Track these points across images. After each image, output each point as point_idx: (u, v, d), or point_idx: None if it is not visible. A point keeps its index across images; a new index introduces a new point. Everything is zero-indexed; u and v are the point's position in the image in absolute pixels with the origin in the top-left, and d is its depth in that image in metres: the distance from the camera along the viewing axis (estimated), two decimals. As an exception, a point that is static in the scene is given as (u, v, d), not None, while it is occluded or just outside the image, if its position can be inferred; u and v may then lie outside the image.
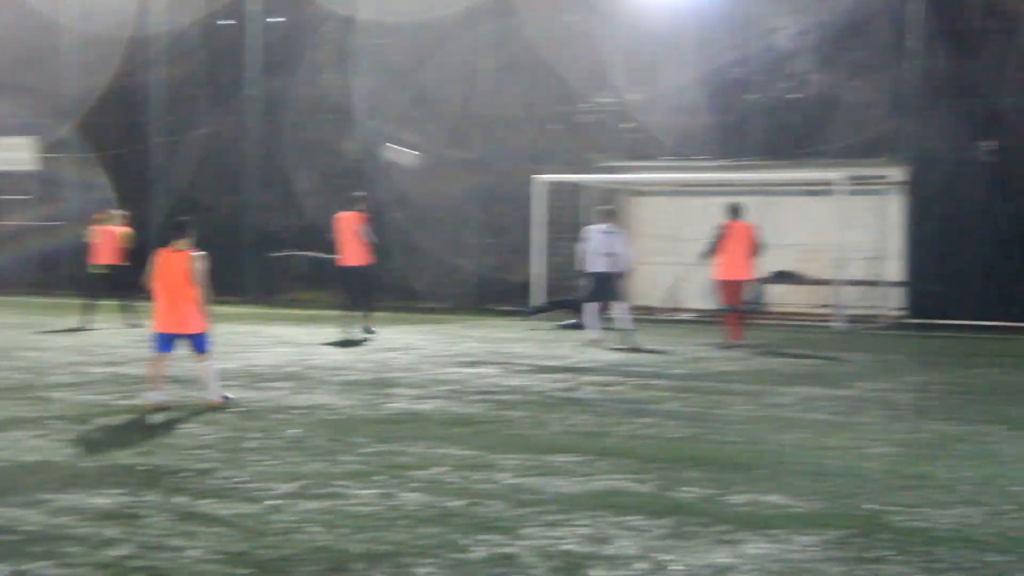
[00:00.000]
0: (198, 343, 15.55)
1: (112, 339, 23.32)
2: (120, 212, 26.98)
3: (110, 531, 9.45)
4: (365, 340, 23.47)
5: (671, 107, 32.28)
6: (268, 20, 35.17)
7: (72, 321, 25.91)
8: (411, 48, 33.08)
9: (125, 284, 26.40)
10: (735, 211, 23.66)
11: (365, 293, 24.77)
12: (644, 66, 32.26)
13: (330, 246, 26.98)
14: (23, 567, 8.51)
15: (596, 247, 23.21)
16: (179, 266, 15.37)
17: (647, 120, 32.38)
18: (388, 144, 17.52)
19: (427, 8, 32.49)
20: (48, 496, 10.53)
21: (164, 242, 15.90)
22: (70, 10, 36.20)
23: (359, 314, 24.62)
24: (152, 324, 15.75)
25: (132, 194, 34.80)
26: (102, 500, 10.44)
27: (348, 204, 24.95)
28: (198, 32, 35.14)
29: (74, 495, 10.59)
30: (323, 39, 34.21)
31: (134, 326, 25.63)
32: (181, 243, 15.54)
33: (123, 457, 12.31)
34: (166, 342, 15.56)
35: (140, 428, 14.01)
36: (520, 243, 30.76)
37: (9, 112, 36.84)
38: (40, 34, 36.42)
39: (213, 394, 15.51)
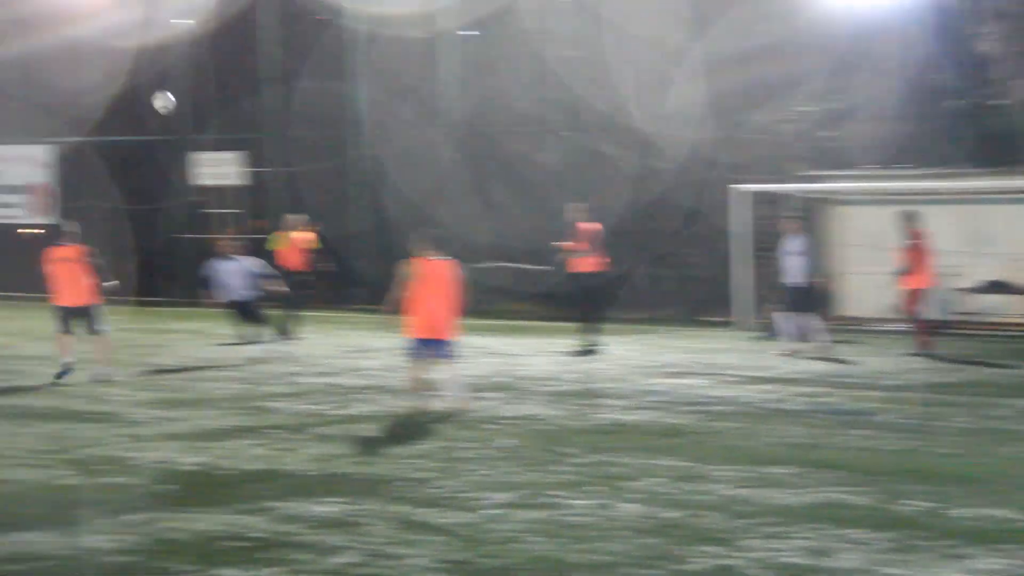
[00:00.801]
0: (447, 349, 15.93)
1: (323, 350, 23.72)
2: (302, 218, 26.74)
3: (334, 539, 9.65)
4: (594, 352, 23.21)
5: (871, 115, 31.79)
6: (462, 33, 35.51)
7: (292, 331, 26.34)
8: (606, 59, 33.11)
9: (304, 292, 26.14)
10: (916, 219, 23.44)
11: (597, 303, 24.33)
12: (844, 73, 31.84)
13: (535, 257, 27.06)
14: (253, 573, 8.73)
15: (797, 258, 23.09)
16: (443, 275, 15.84)
17: (847, 128, 31.93)
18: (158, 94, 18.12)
19: (620, 20, 32.52)
20: (273, 504, 10.78)
21: (402, 254, 16.42)
22: (264, 30, 36.98)
23: (596, 325, 24.03)
24: (408, 331, 16.10)
25: (332, 208, 35.38)
26: (324, 508, 10.66)
27: (581, 215, 24.54)
28: (395, 46, 35.59)
29: (297, 503, 10.83)
30: (517, 51, 34.39)
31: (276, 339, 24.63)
32: (437, 253, 16.02)
33: (342, 466, 12.54)
34: (424, 347, 15.98)
35: (356, 438, 14.23)
36: (721, 253, 30.55)
37: (214, 128, 37.73)
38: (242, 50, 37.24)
39: (458, 400, 15.87)
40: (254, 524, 10.05)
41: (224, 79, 37.58)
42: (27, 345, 24.18)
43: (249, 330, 22.70)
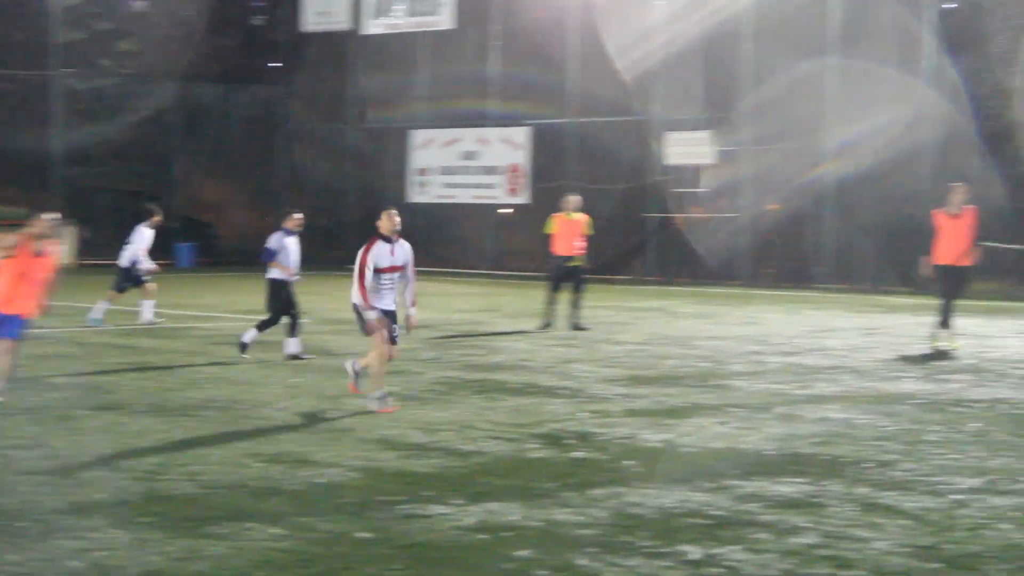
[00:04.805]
0: None
1: (787, 329, 23.62)
2: (574, 199, 24.49)
3: (795, 519, 9.58)
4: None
5: None
6: (944, 7, 34.56)
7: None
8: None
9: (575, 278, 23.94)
10: None
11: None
12: None
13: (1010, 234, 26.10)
14: (713, 551, 8.78)
15: None
16: None
17: None
18: None
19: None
20: (734, 482, 10.80)
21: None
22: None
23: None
24: None
25: (801, 186, 35.16)
26: (786, 488, 10.60)
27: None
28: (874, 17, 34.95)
29: (758, 482, 10.80)
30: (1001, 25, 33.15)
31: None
32: None
33: (803, 446, 12.43)
34: None
35: (818, 418, 14.07)
36: None
37: (685, 106, 38.07)
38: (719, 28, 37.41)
39: None
40: (714, 502, 10.09)
41: (702, 60, 37.86)
42: (500, 321, 25.10)
43: None
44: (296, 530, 9.25)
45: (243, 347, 18.80)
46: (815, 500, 10.17)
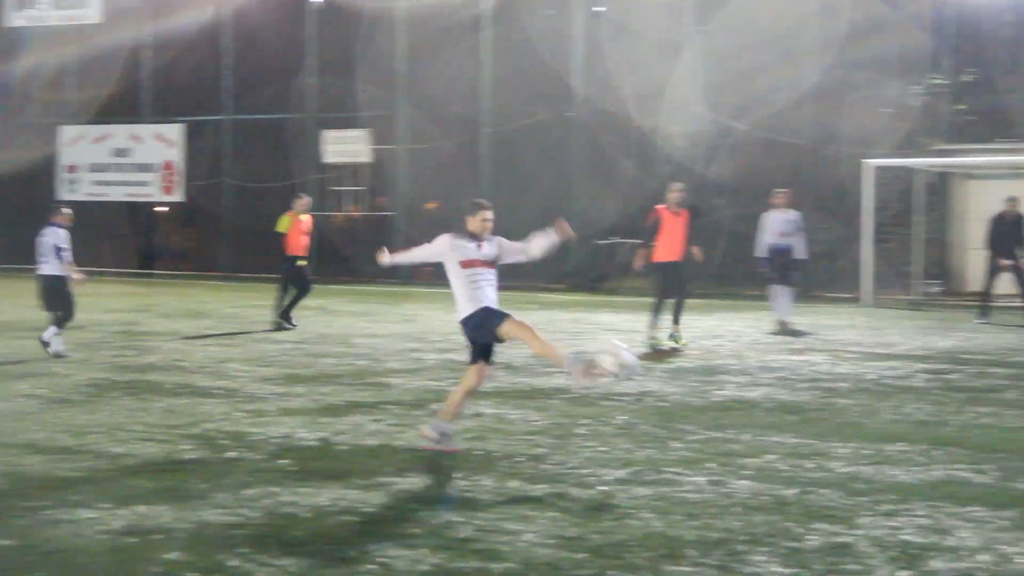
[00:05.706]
0: None
1: (445, 327, 23.86)
2: (306, 199, 24.51)
3: (448, 514, 9.68)
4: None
5: (1004, 87, 31.23)
6: (595, 9, 35.49)
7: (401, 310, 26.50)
8: (735, 36, 32.88)
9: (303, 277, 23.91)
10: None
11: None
12: (976, 46, 31.32)
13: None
14: (367, 547, 8.80)
15: (770, 230, 23.41)
16: None
17: (979, 101, 31.46)
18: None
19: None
20: (388, 479, 10.85)
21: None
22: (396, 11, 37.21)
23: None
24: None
25: (459, 184, 35.55)
26: (439, 484, 10.70)
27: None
28: (523, 24, 35.63)
29: (412, 478, 10.89)
30: (643, 27, 34.25)
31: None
32: None
33: (457, 442, 12.56)
34: None
35: (472, 414, 14.27)
36: (848, 229, 30.23)
37: (342, 104, 38.06)
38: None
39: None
40: (369, 499, 10.12)
41: (352, 57, 37.90)
42: (153, 321, 24.63)
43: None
44: (-68, 540, 8.86)
45: (57, 355, 18.60)
46: (468, 495, 10.30)
